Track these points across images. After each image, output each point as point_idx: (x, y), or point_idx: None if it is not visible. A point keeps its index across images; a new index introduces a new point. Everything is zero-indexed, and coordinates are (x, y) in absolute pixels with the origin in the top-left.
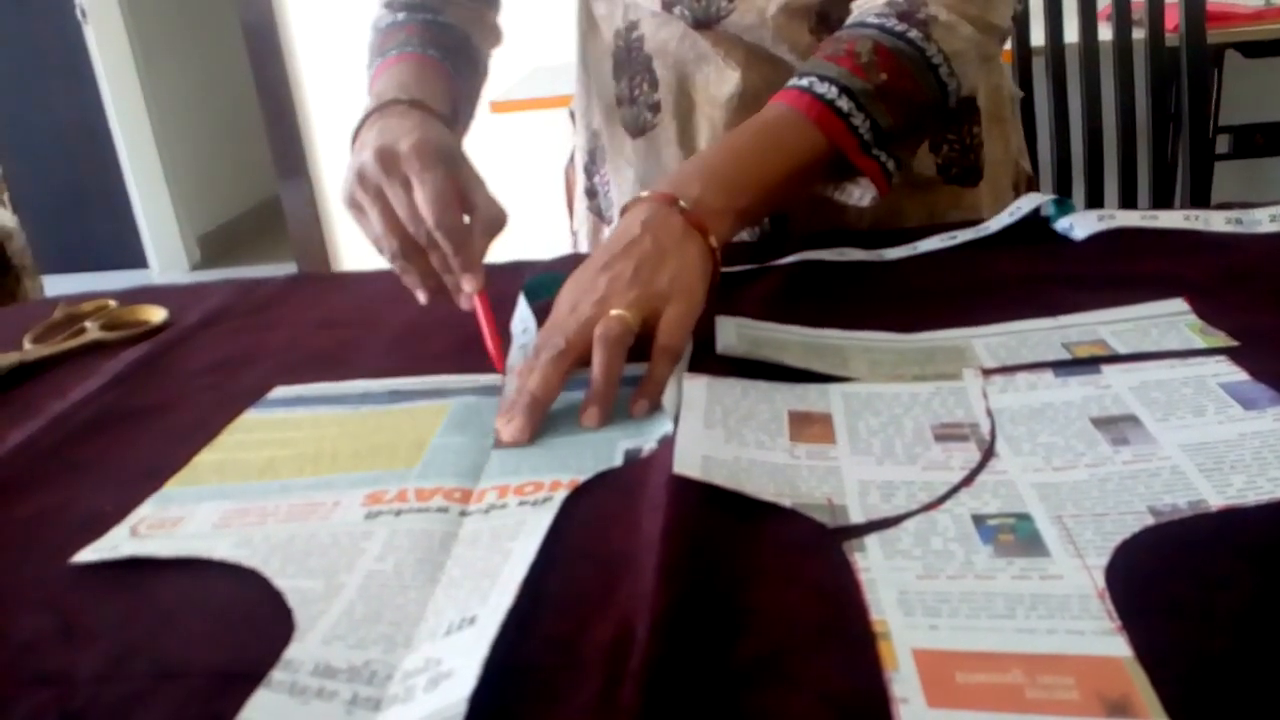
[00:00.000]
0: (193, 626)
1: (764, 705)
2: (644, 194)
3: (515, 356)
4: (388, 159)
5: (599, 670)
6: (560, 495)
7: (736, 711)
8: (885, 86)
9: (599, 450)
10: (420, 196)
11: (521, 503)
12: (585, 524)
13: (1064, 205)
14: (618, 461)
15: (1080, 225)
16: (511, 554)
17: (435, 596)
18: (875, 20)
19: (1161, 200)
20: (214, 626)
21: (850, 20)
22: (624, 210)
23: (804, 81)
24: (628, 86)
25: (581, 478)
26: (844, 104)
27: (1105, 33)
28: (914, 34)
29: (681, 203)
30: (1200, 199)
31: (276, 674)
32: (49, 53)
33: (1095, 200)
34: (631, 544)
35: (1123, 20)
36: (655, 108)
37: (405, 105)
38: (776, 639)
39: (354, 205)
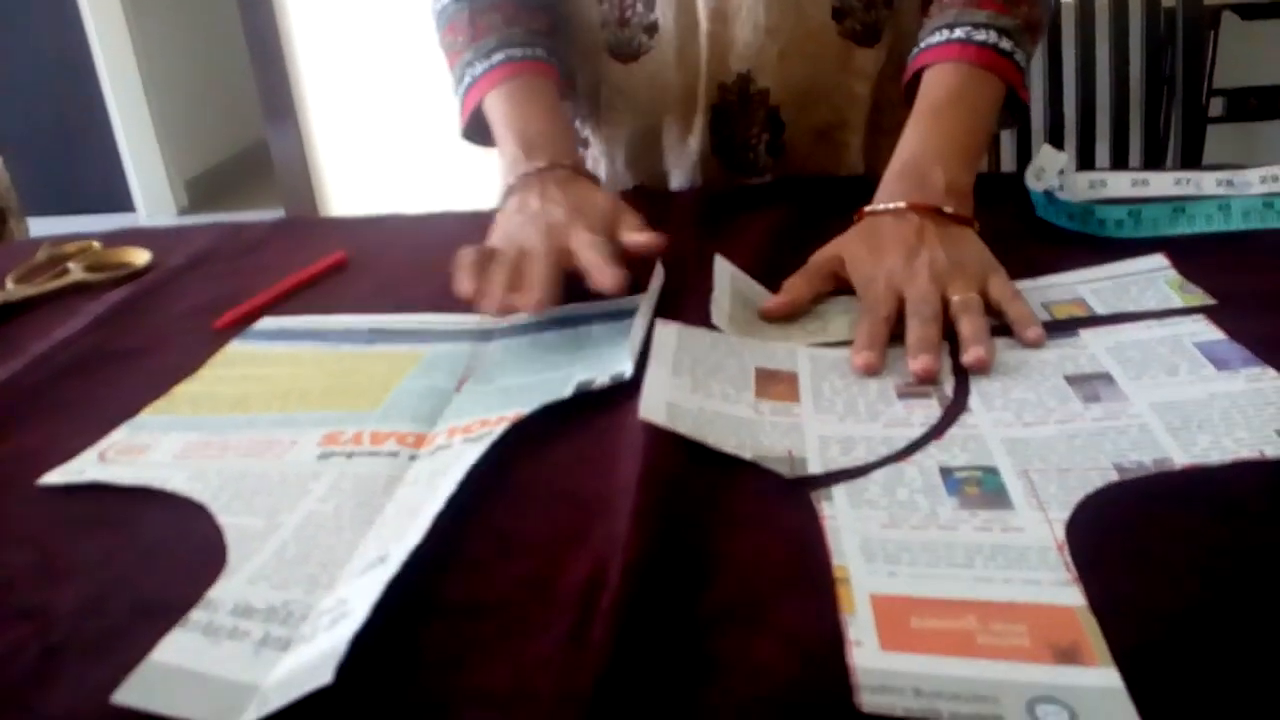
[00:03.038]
0: (171, 562)
1: (730, 646)
2: (897, 205)
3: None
4: (554, 234)
5: (571, 608)
6: (500, 429)
7: (703, 652)
8: (1027, 19)
9: (550, 385)
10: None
11: (465, 440)
12: (563, 466)
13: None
14: (568, 393)
15: (1068, 190)
16: (438, 490)
17: (366, 538)
18: None
19: (1153, 162)
20: (192, 563)
21: None
22: (863, 216)
23: (958, 33)
24: (617, 7)
25: (526, 410)
26: (1006, 44)
27: None
28: None
29: (946, 209)
30: (1192, 161)
31: (195, 613)
32: None
33: (1086, 162)
34: (608, 487)
35: None
36: (651, 29)
37: (567, 172)
38: (744, 583)
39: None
